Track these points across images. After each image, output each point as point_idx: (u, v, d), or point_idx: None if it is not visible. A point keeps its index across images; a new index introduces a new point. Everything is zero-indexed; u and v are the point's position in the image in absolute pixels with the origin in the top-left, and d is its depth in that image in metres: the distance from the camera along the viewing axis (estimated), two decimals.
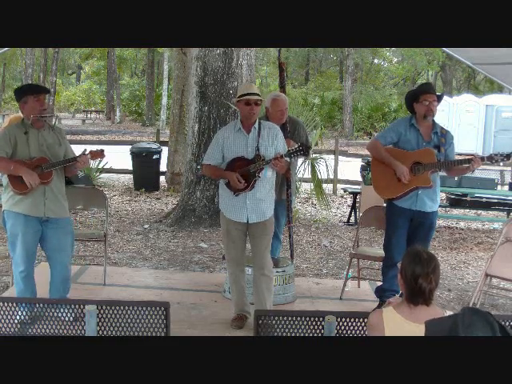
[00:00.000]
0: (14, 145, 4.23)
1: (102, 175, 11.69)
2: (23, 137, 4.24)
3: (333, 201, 10.84)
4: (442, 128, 4.64)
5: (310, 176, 8.57)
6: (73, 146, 4.57)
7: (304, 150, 4.25)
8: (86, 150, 4.38)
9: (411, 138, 4.56)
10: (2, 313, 2.83)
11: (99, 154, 4.44)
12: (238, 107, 4.39)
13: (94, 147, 4.55)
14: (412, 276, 2.44)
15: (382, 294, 4.76)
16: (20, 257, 4.25)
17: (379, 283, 5.73)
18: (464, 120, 21.41)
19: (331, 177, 9.89)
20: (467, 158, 4.46)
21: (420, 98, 4.50)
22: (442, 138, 4.54)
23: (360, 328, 2.79)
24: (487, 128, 21.51)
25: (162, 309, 2.79)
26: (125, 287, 5.41)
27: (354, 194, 9.14)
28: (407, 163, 4.51)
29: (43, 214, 4.26)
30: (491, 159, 4.33)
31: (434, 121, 4.58)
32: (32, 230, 4.26)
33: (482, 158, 4.34)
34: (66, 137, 4.58)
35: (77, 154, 4.37)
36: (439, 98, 4.55)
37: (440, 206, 9.48)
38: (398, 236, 4.69)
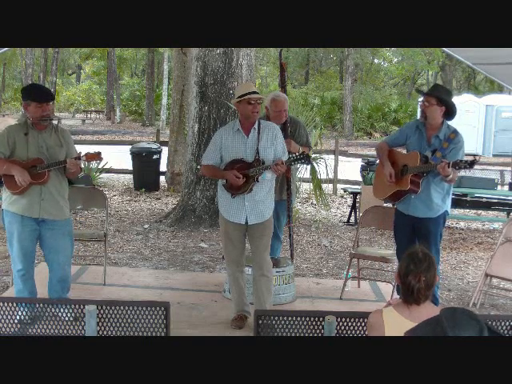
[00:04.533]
0: (12, 146, 4.23)
1: (102, 175, 11.71)
2: (23, 138, 4.22)
3: (333, 201, 10.84)
4: (453, 132, 4.42)
5: (310, 176, 8.56)
6: None
7: (305, 159, 4.27)
8: (80, 152, 4.28)
9: (415, 142, 4.51)
10: (1, 313, 2.83)
11: (95, 157, 4.29)
12: (238, 108, 4.34)
13: (94, 147, 4.52)
14: (403, 274, 2.45)
15: None
16: (17, 256, 4.27)
17: (379, 283, 5.74)
18: (464, 120, 21.35)
19: (331, 177, 9.89)
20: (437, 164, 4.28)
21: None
22: (446, 142, 4.37)
23: (360, 328, 2.79)
24: (487, 128, 21.50)
25: (162, 309, 2.79)
26: (125, 287, 5.41)
27: (354, 194, 9.15)
28: (398, 165, 4.52)
29: (38, 215, 4.25)
30: (455, 165, 4.16)
31: (444, 124, 4.44)
32: (28, 229, 4.26)
33: (448, 164, 4.15)
34: (71, 138, 4.49)
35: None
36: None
37: None
38: (400, 239, 4.71)
